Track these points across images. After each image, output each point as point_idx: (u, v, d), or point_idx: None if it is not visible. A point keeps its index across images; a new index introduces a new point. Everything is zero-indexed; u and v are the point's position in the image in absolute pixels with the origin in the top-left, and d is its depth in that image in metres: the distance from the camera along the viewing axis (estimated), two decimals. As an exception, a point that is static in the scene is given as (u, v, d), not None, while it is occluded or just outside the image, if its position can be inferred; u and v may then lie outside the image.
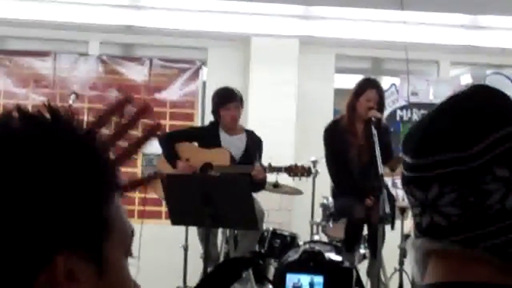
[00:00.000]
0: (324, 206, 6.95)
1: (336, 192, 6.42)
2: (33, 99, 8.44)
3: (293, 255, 5.61)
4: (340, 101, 8.84)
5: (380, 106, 6.13)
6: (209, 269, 5.75)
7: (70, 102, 6.90)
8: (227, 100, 6.54)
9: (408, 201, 1.20)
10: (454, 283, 1.15)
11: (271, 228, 6.70)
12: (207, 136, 6.58)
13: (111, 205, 0.91)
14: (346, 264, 5.45)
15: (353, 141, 6.11)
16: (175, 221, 5.64)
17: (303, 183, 6.75)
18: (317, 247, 5.64)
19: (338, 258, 5.49)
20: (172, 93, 8.58)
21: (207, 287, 4.99)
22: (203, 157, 6.45)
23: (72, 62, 8.54)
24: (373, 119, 5.85)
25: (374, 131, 5.72)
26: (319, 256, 5.33)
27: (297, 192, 7.12)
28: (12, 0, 8.25)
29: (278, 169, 6.36)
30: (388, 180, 6.27)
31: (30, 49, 8.68)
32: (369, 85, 6.23)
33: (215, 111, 6.65)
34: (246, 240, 6.34)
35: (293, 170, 6.37)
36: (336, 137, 6.22)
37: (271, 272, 6.50)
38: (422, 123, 1.19)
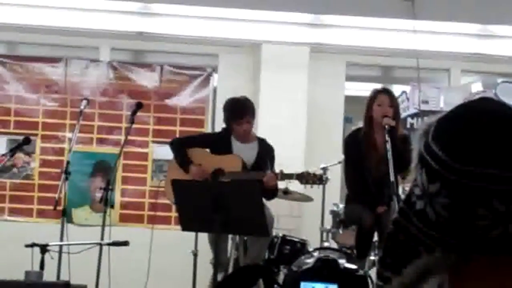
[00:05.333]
0: (334, 213, 6.95)
1: (349, 198, 6.41)
2: (44, 104, 8.48)
3: (306, 263, 5.60)
4: (350, 108, 8.87)
5: (394, 113, 6.13)
6: (219, 275, 5.76)
7: (81, 107, 6.90)
8: (238, 116, 6.47)
9: None
10: None
11: (280, 234, 6.70)
12: (219, 143, 6.57)
13: None
14: (361, 272, 5.43)
15: (372, 152, 6.11)
16: (185, 227, 5.64)
17: (313, 190, 6.75)
18: (331, 255, 5.63)
19: (352, 266, 5.47)
20: (183, 99, 8.59)
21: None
22: (215, 163, 6.45)
23: (83, 68, 8.56)
24: (386, 127, 5.86)
25: (388, 138, 5.73)
26: (333, 264, 5.31)
27: (307, 198, 7.12)
28: (24, 6, 8.29)
29: (289, 176, 6.34)
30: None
31: (42, 55, 8.71)
32: (379, 91, 6.29)
33: (226, 123, 6.63)
34: (256, 246, 6.34)
35: (305, 178, 6.35)
36: (356, 147, 6.24)
37: (280, 278, 6.48)
38: None
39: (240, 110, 6.51)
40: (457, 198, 1.11)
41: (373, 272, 6.31)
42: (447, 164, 1.12)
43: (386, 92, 6.30)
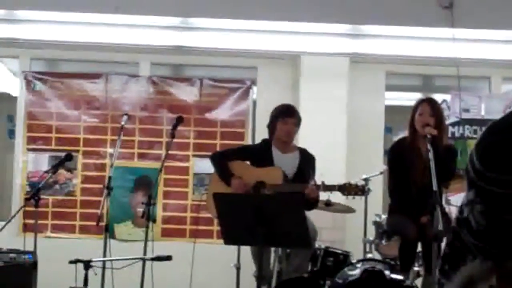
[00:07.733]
0: (377, 224, 6.89)
1: (392, 208, 6.36)
2: (85, 120, 8.55)
3: (351, 274, 5.54)
4: (391, 118, 8.81)
5: (437, 122, 6.06)
6: (262, 289, 5.73)
7: (122, 123, 6.94)
8: (287, 114, 6.56)
9: None
10: None
11: (323, 246, 6.66)
12: (260, 154, 6.56)
13: None
14: (407, 282, 5.37)
15: (417, 161, 6.06)
16: (227, 241, 5.62)
17: (355, 201, 6.70)
18: (376, 266, 5.58)
19: (398, 277, 5.41)
20: (223, 112, 8.61)
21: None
22: (256, 176, 6.44)
23: (123, 84, 8.63)
24: (428, 136, 5.81)
25: (430, 147, 5.67)
26: (380, 275, 5.26)
27: (349, 210, 7.07)
28: (64, 23, 8.37)
29: (331, 188, 6.31)
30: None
31: (82, 72, 8.80)
32: (421, 101, 6.25)
33: (271, 125, 6.64)
34: (298, 257, 6.31)
35: (347, 189, 6.31)
36: (400, 156, 6.19)
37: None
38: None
39: (288, 110, 6.60)
40: (489, 205, 1.10)
41: (418, 283, 6.24)
42: (479, 171, 1.12)
43: (428, 101, 6.25)
